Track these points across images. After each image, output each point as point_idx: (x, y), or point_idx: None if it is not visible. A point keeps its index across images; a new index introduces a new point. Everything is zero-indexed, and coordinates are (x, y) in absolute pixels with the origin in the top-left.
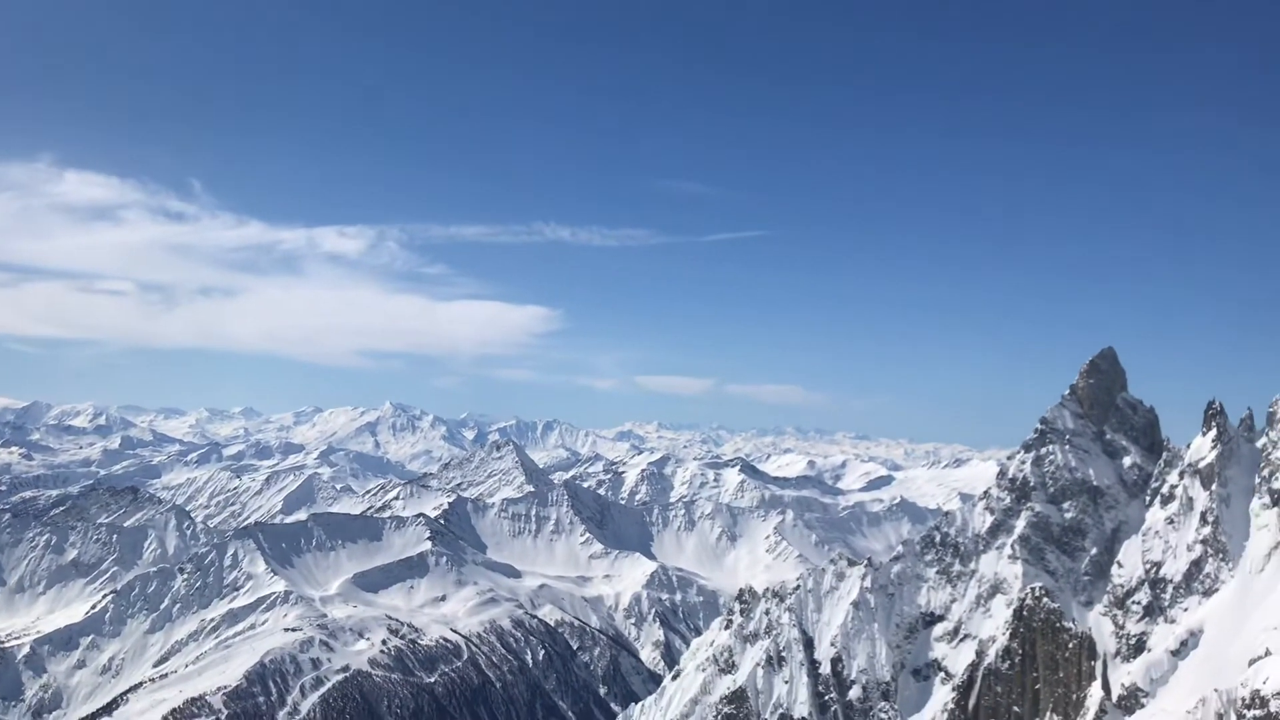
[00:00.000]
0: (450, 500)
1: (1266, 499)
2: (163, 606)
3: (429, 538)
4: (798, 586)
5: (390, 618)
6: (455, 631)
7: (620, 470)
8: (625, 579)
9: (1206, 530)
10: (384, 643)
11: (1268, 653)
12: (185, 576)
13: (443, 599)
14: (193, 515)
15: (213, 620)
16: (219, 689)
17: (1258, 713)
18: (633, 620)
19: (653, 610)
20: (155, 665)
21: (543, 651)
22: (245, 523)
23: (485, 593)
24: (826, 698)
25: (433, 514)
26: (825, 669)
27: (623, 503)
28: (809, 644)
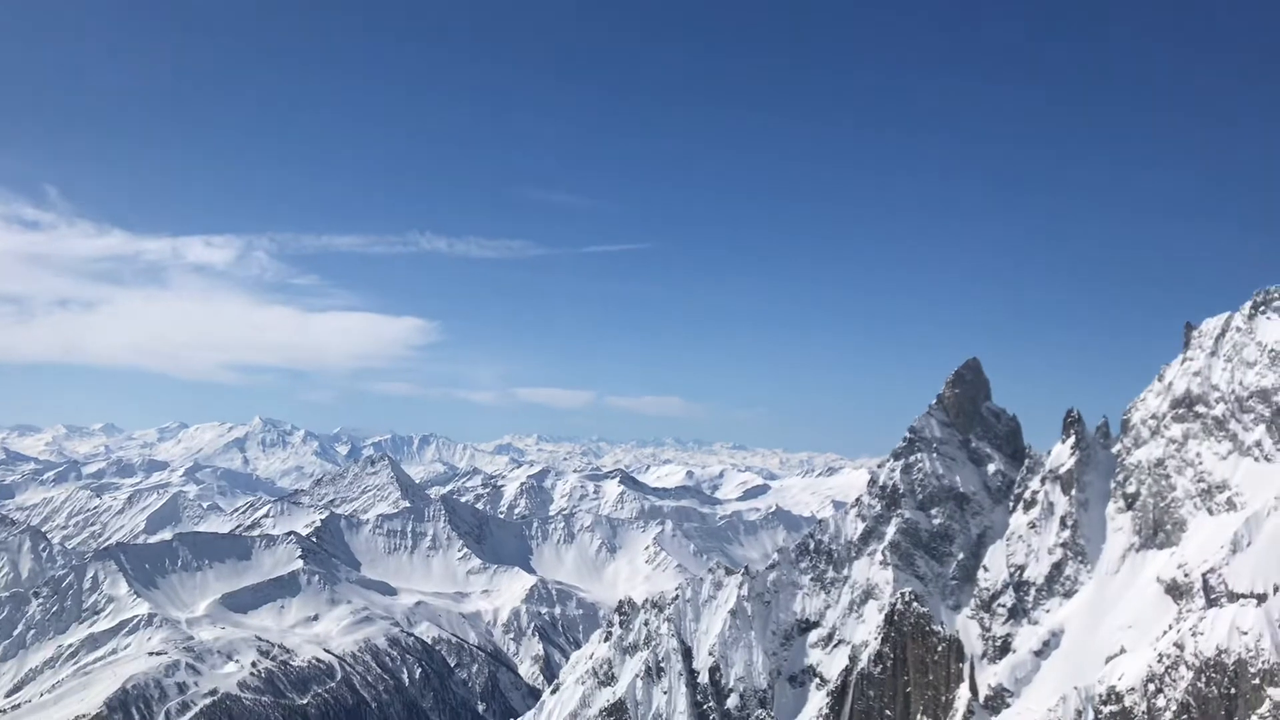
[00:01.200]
0: (323, 517)
1: (1121, 503)
2: (15, 633)
3: (301, 556)
4: (676, 597)
5: (260, 639)
6: (328, 651)
7: (499, 484)
8: (504, 594)
9: (1066, 534)
10: (254, 665)
11: (1123, 650)
12: (41, 601)
13: (315, 618)
14: (49, 537)
15: (71, 646)
16: (77, 718)
17: (1113, 708)
18: (512, 635)
19: (532, 625)
20: (7, 696)
21: (419, 669)
22: (106, 543)
23: (360, 611)
24: (705, 707)
25: (304, 531)
26: (704, 678)
27: (502, 517)
28: (688, 654)
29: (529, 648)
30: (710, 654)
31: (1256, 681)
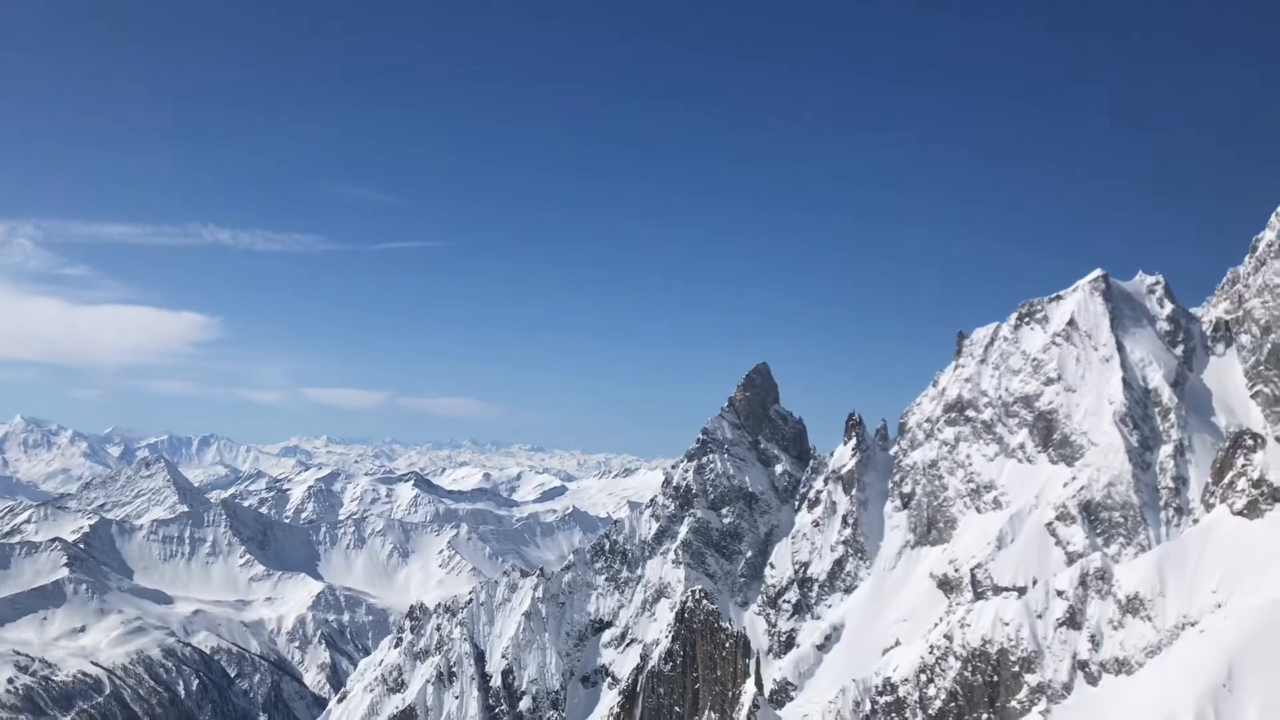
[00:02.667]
0: (92, 523)
1: (898, 502)
2: None
3: (66, 564)
4: (470, 600)
5: (19, 653)
6: (96, 664)
7: (285, 488)
8: (289, 601)
9: (847, 532)
10: (10, 681)
11: (898, 643)
12: None
13: (82, 630)
14: None
15: None
16: None
17: (888, 698)
18: (297, 644)
19: (319, 632)
20: None
21: (196, 681)
22: None
23: (131, 621)
24: (497, 710)
25: (71, 538)
26: (496, 682)
27: (288, 522)
28: (481, 658)
29: (315, 656)
30: (504, 657)
31: (1016, 669)
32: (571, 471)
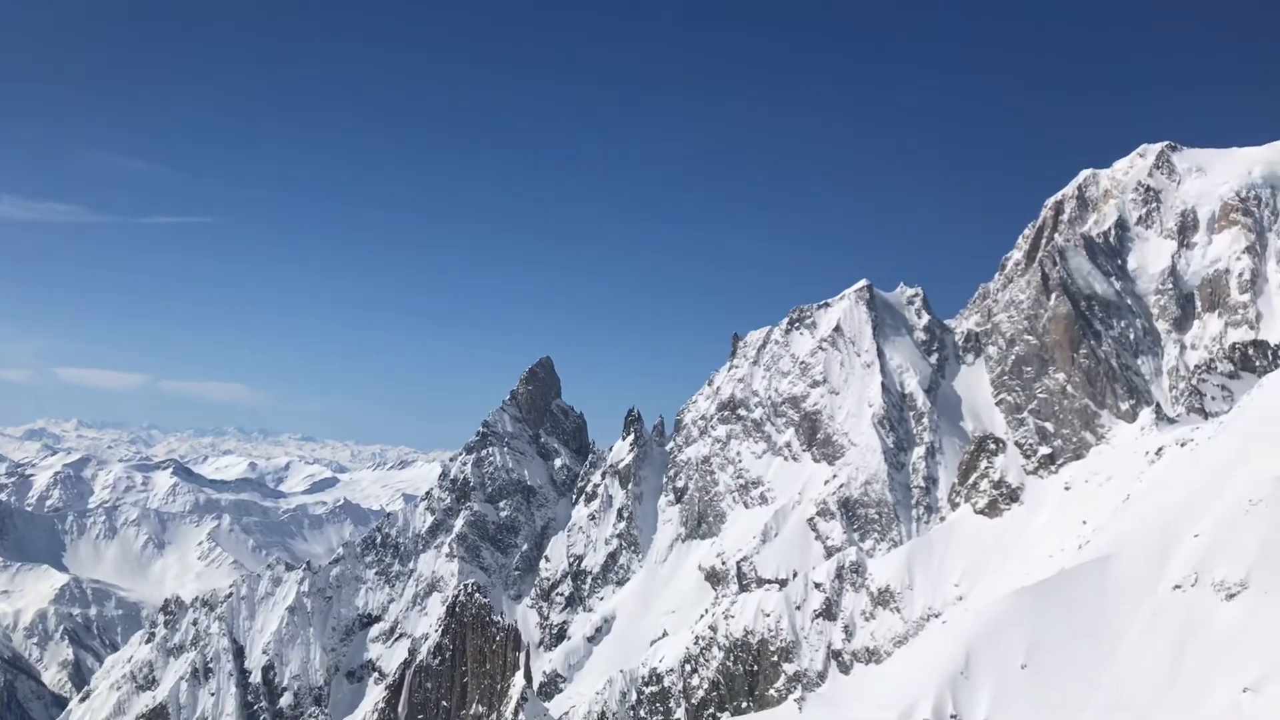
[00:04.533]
0: None
1: (671, 496)
2: None
3: None
4: (230, 594)
5: None
6: None
7: (28, 473)
8: (28, 594)
9: (622, 525)
10: None
11: (665, 634)
12: None
13: None
14: None
15: None
16: None
17: (654, 688)
18: (35, 640)
19: (61, 627)
20: None
21: None
22: None
23: None
24: (256, 707)
25: None
26: (256, 678)
27: (30, 509)
28: (240, 653)
29: (56, 653)
30: (265, 652)
31: (775, 659)
32: (344, 463)
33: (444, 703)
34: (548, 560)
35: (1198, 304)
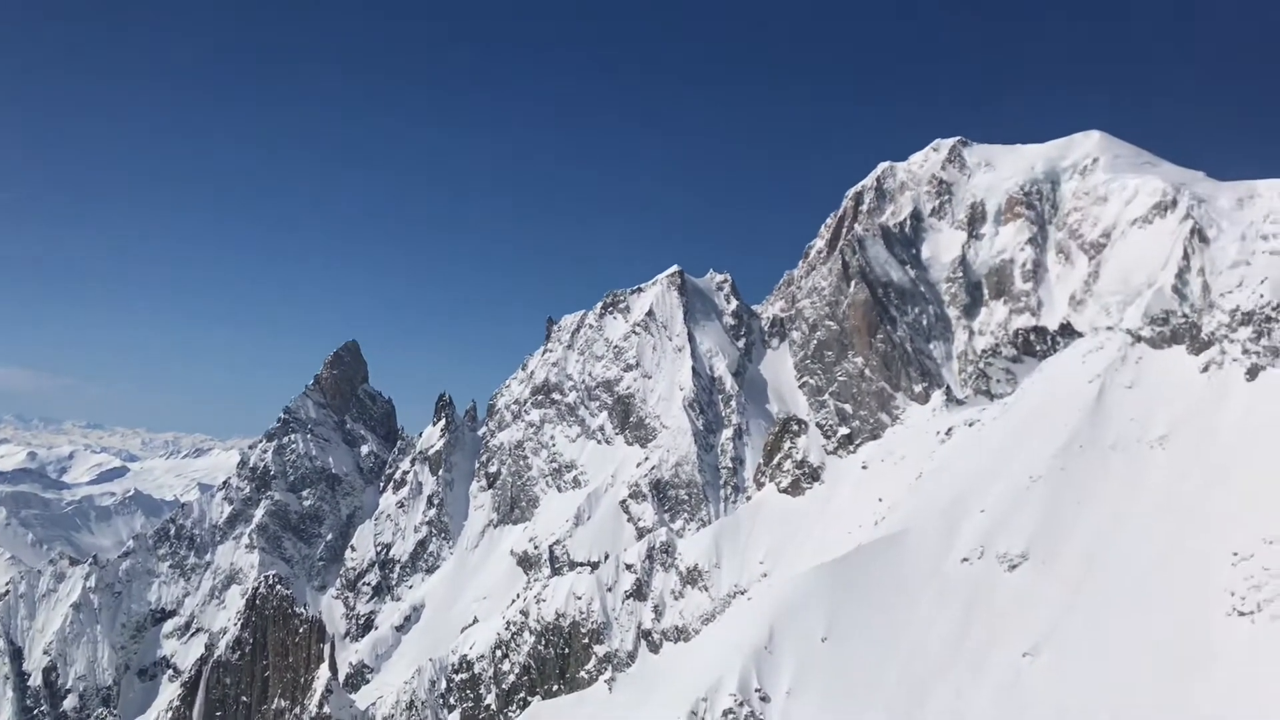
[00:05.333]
0: None
1: (484, 482)
2: None
3: None
4: (6, 593)
5: None
6: None
7: None
8: None
9: (432, 512)
10: None
11: (476, 620)
12: None
13: None
14: None
15: None
16: None
17: (464, 675)
18: None
19: None
20: None
21: None
22: None
23: None
24: (36, 711)
25: None
26: (37, 680)
27: None
28: (18, 655)
29: None
30: (46, 653)
31: (586, 641)
32: (135, 451)
33: (244, 699)
34: (354, 549)
35: (985, 292)
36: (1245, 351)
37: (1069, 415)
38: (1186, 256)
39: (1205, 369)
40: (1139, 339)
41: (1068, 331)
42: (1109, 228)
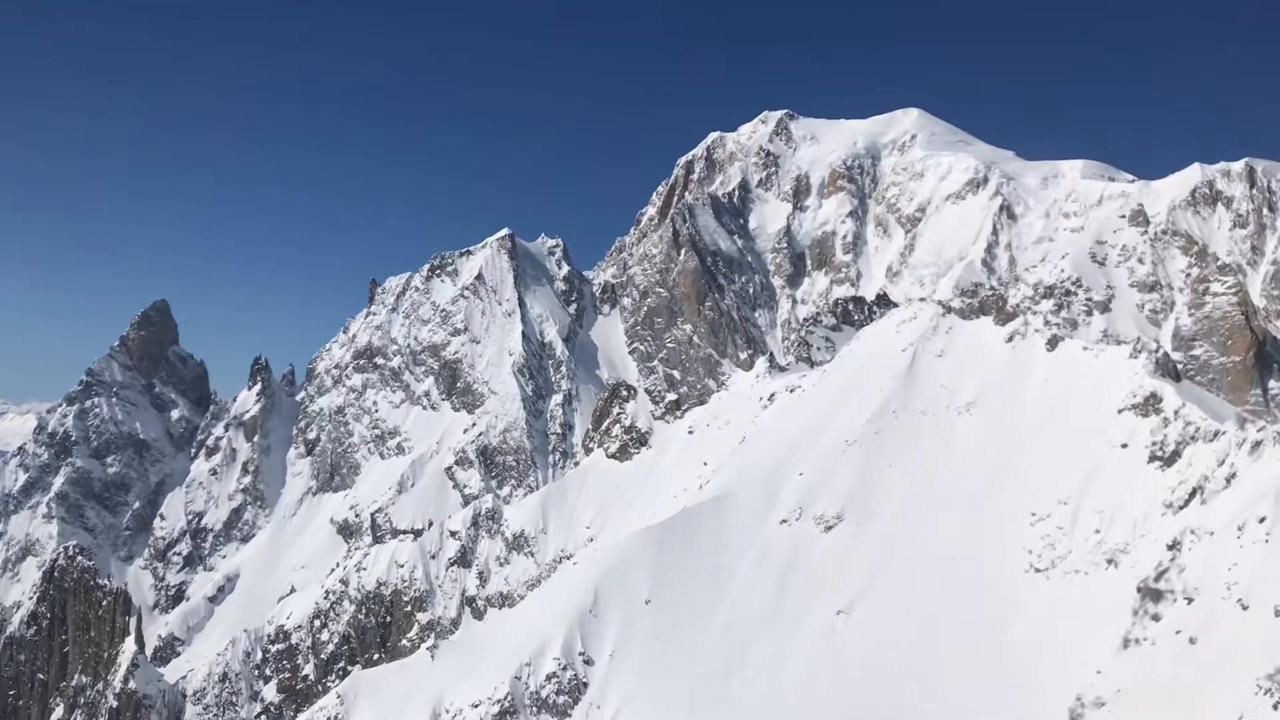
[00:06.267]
0: None
1: (302, 448)
2: None
3: None
4: None
5: None
6: None
7: None
8: None
9: (248, 479)
10: None
11: (293, 590)
12: None
13: None
14: None
15: None
16: None
17: (280, 646)
18: None
19: None
20: None
21: None
22: None
23: None
24: None
25: None
26: None
27: None
28: None
29: None
30: None
31: (409, 609)
32: None
33: (40, 675)
34: (163, 518)
35: (808, 262)
36: (1046, 323)
37: (883, 382)
38: (995, 232)
39: (1010, 339)
40: (950, 310)
41: (884, 302)
42: (924, 203)
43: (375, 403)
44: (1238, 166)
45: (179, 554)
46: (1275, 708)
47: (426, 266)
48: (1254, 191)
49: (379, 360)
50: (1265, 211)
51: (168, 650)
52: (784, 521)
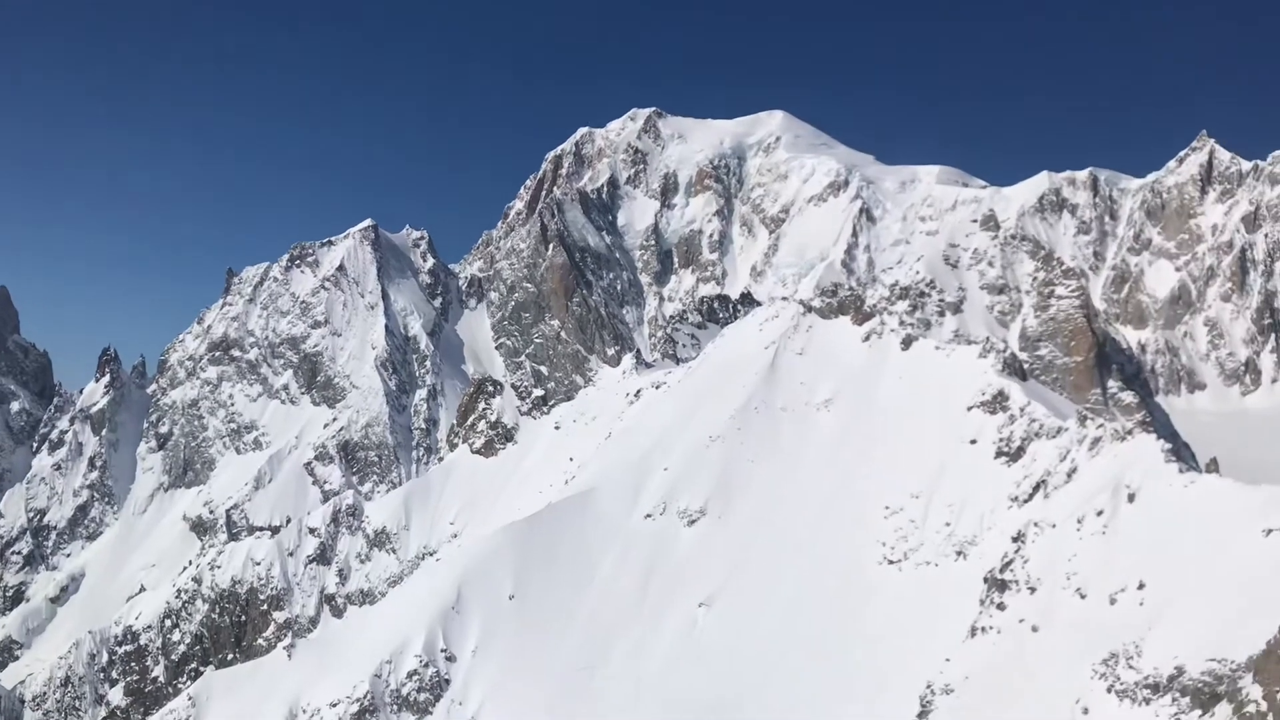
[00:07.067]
0: None
1: (153, 443)
2: None
3: None
4: None
5: None
6: None
7: None
8: None
9: (94, 475)
10: None
11: (142, 589)
12: None
13: None
14: None
15: None
16: None
17: (129, 647)
18: None
19: None
20: None
21: None
22: None
23: None
24: None
25: None
26: None
27: None
28: None
29: None
30: None
31: (265, 607)
32: None
33: None
34: (2, 515)
35: (675, 260)
36: (902, 323)
37: (746, 379)
38: (855, 234)
39: (867, 338)
40: (810, 309)
41: (748, 300)
42: (788, 204)
43: (231, 396)
44: (1082, 175)
45: (18, 553)
46: (1109, 691)
47: (286, 257)
48: (1097, 199)
49: (235, 352)
50: (1107, 219)
51: (5, 654)
52: (648, 516)
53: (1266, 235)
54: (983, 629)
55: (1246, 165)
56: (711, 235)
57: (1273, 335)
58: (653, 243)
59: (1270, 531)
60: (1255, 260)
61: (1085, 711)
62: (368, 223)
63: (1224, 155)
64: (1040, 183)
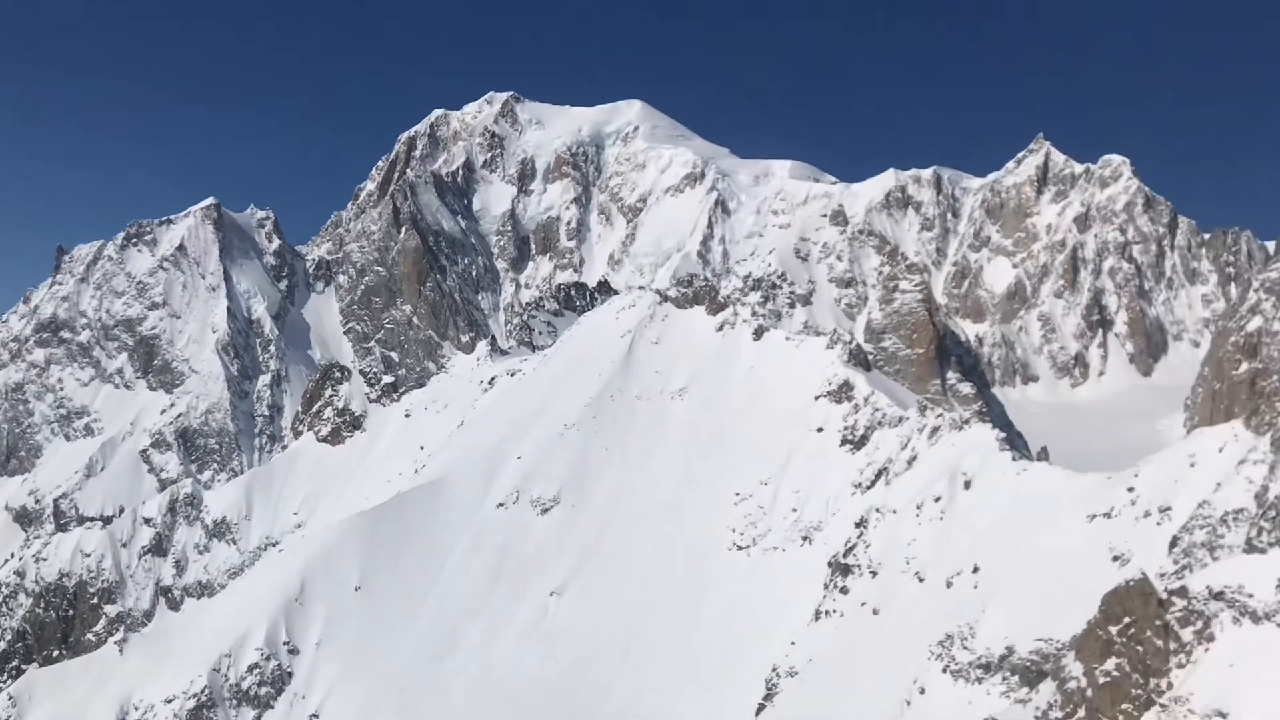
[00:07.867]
0: None
1: None
2: None
3: None
4: None
5: None
6: None
7: None
8: None
9: None
10: None
11: None
12: None
13: None
14: None
15: None
16: None
17: None
18: None
19: None
20: None
21: None
22: None
23: None
24: None
25: None
26: None
27: None
28: None
29: None
30: None
31: (96, 601)
32: None
33: None
34: None
35: (532, 247)
36: (754, 314)
37: (602, 367)
38: (710, 226)
39: (720, 328)
40: (666, 299)
41: (606, 289)
42: (646, 194)
43: (60, 380)
44: (927, 173)
45: None
46: (945, 671)
47: (121, 235)
48: (940, 197)
49: (65, 334)
50: (949, 216)
51: None
52: (501, 505)
53: (1096, 235)
54: (826, 612)
55: (1079, 168)
56: (569, 223)
57: (1100, 331)
58: (509, 229)
59: (1094, 517)
60: (1086, 259)
61: (922, 691)
62: (210, 201)
63: (1059, 157)
64: (887, 180)
